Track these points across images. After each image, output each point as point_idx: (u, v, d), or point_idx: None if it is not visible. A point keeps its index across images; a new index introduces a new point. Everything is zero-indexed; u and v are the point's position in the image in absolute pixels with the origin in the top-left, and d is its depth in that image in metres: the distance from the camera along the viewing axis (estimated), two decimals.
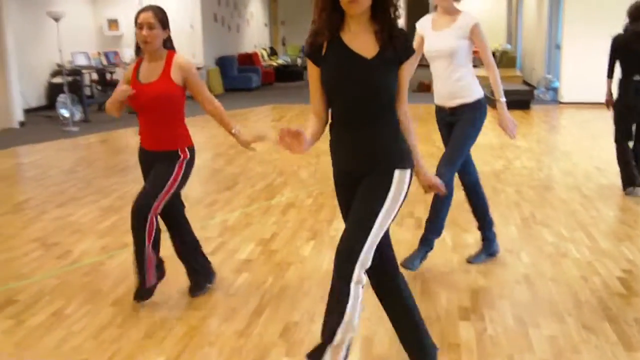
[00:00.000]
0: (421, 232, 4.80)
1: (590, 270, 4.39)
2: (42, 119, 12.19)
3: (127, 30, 15.17)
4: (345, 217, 2.82)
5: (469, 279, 4.29)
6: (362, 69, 2.62)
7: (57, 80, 12.90)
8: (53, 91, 12.96)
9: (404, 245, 4.74)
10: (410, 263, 4.33)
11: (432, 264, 4.53)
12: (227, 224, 5.56)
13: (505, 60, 19.08)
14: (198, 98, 3.88)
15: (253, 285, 4.22)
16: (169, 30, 3.81)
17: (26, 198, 6.59)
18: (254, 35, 21.26)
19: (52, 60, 13.07)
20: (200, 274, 4.13)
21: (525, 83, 16.06)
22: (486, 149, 8.64)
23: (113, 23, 15.58)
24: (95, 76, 14.16)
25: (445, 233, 5.14)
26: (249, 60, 18.64)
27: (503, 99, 4.29)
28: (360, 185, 2.72)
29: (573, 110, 12.57)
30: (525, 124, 11.01)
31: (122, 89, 3.76)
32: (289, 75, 20.31)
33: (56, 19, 10.93)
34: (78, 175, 7.50)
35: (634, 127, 6.35)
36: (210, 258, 4.68)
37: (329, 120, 2.80)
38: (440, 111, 4.40)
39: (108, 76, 14.17)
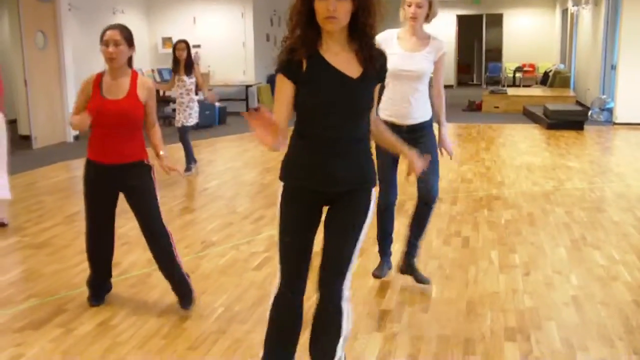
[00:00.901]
0: (468, 250, 4.77)
1: None
2: None
3: None
4: (292, 233, 2.80)
5: (516, 299, 4.22)
6: (349, 89, 2.57)
7: None
8: None
9: (450, 262, 4.71)
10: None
11: (478, 284, 4.47)
12: (274, 239, 5.55)
13: (558, 80, 18.82)
14: (148, 117, 3.98)
15: None
16: (134, 48, 3.99)
17: (78, 210, 6.72)
18: None
19: None
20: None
21: (579, 103, 15.81)
22: (537, 170, 8.52)
23: (167, 41, 15.85)
24: None
25: (492, 253, 5.10)
26: None
27: (446, 123, 4.43)
28: (336, 203, 2.73)
29: (628, 131, 12.31)
30: (578, 145, 10.83)
31: (82, 119, 3.86)
32: None
33: None
34: None
35: None
36: (256, 273, 4.74)
37: (292, 135, 2.74)
38: (393, 129, 4.33)
39: (161, 92, 14.41)
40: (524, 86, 21.70)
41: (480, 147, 10.70)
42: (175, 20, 15.79)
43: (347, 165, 2.66)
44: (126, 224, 6.07)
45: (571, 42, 19.74)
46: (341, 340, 2.77)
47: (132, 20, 15.07)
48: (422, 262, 4.88)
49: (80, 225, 6.10)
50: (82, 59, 12.71)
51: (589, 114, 13.62)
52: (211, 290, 4.39)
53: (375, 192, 2.78)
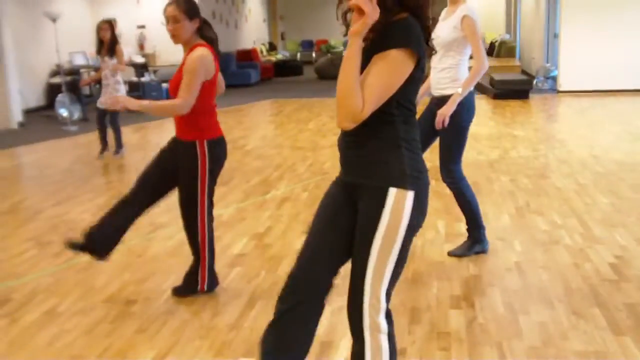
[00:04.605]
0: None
1: (582, 257, 4.40)
2: (41, 119, 12.23)
3: (127, 29, 15.19)
4: (313, 229, 2.38)
5: (461, 267, 4.30)
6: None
7: (56, 80, 12.95)
8: (52, 91, 13.02)
9: None
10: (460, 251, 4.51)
11: (424, 253, 4.55)
12: (222, 219, 5.58)
13: (504, 50, 19.05)
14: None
15: (245, 279, 4.24)
16: (198, 20, 3.73)
17: (23, 198, 6.62)
18: (253, 31, 21.28)
19: (51, 61, 13.10)
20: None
21: (524, 72, 16.04)
22: (483, 139, 8.65)
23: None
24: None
25: (438, 222, 5.19)
26: (247, 56, 18.65)
27: (459, 91, 4.19)
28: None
29: (571, 99, 12.55)
30: (523, 113, 11.01)
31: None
32: (288, 70, 20.32)
33: (53, 19, 10.95)
34: (75, 174, 7.53)
35: None
36: None
37: None
38: (430, 99, 4.48)
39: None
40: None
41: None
42: (118, 1, 15.52)
43: (349, 149, 2.28)
44: (73, 209, 6.02)
45: (515, 12, 19.98)
46: None
47: (74, 2, 14.77)
48: None
49: (25, 212, 6.02)
50: (23, 44, 12.44)
51: (534, 82, 13.83)
52: (160, 272, 4.38)
53: (399, 196, 2.16)
